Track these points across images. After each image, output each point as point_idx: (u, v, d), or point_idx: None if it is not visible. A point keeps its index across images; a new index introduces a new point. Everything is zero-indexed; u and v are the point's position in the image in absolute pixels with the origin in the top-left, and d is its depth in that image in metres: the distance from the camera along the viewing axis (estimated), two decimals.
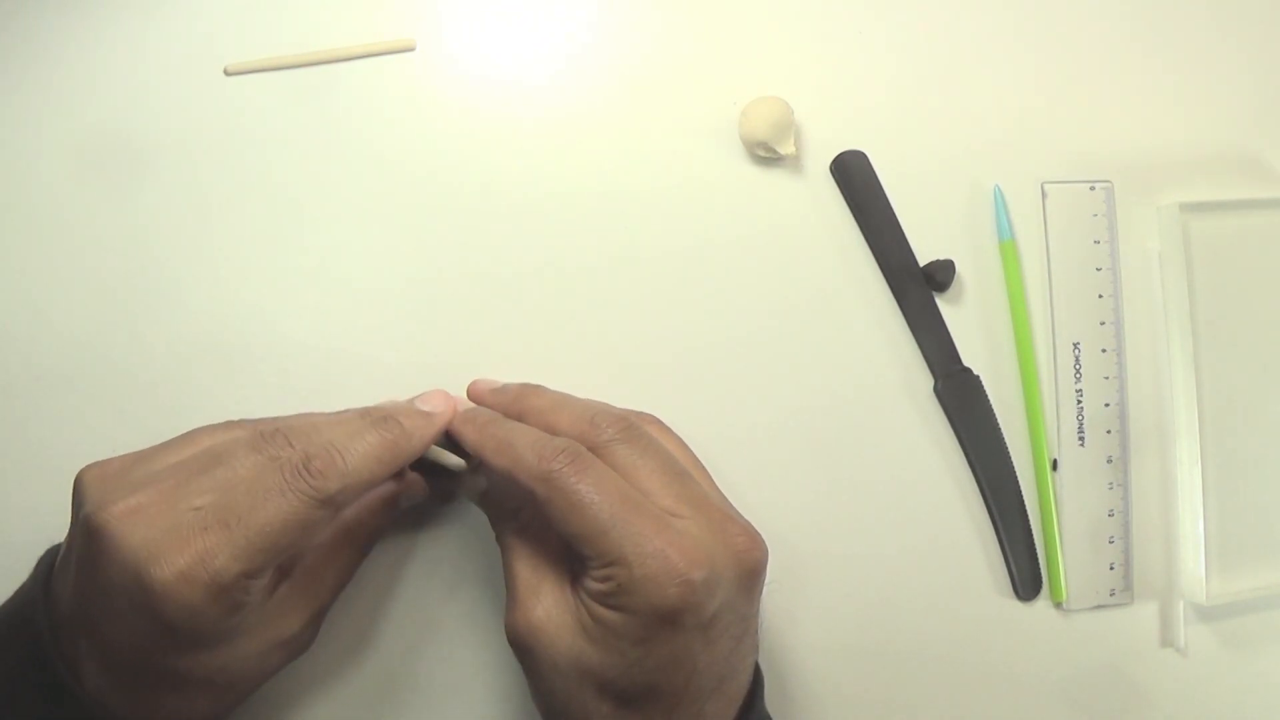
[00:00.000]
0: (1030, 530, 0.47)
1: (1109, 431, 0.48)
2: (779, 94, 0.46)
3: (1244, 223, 0.50)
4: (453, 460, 0.38)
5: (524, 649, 0.34)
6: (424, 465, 0.38)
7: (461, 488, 0.39)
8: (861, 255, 0.47)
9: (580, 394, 0.44)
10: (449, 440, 0.37)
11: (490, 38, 0.46)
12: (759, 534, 0.35)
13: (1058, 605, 0.47)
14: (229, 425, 0.36)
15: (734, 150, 0.47)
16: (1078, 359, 0.48)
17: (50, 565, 0.34)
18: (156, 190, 0.43)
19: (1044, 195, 0.49)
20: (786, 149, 0.46)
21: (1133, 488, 0.48)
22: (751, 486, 0.45)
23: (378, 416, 0.34)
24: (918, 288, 0.47)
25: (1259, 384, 0.50)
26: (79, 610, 0.32)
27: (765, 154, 0.46)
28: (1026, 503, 0.47)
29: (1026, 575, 0.47)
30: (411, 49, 0.45)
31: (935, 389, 0.47)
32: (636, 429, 0.36)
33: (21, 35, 0.43)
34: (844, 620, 0.46)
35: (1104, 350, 0.48)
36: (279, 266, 0.43)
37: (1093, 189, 0.49)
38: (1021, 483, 0.47)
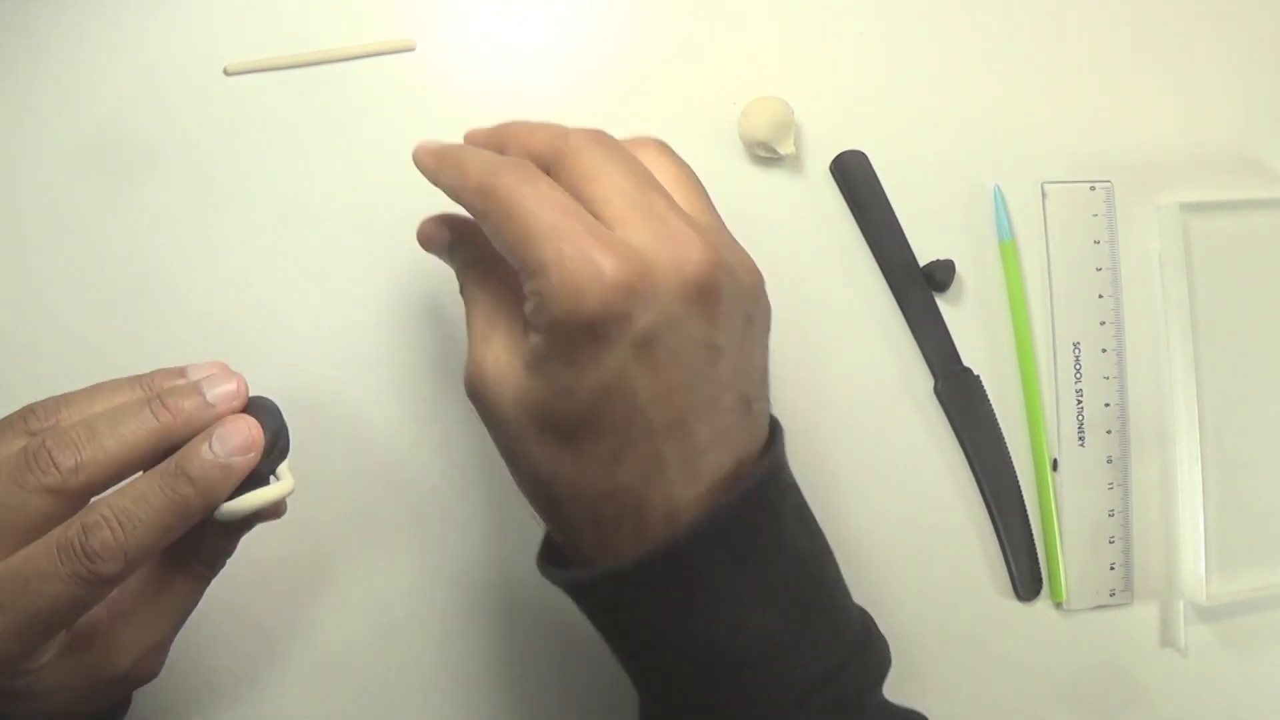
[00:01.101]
0: (1030, 530, 0.47)
1: (1109, 431, 0.48)
2: (779, 94, 0.46)
3: (1244, 223, 0.50)
4: (272, 496, 0.32)
5: (476, 401, 0.32)
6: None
7: (446, 255, 0.36)
8: (861, 255, 0.47)
9: None
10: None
11: (490, 37, 0.46)
12: (741, 255, 0.32)
13: (1058, 605, 0.47)
14: (5, 436, 0.31)
15: (734, 150, 0.47)
16: (1078, 359, 0.48)
17: None
18: (157, 190, 0.43)
19: (1044, 195, 0.49)
20: (786, 149, 0.46)
21: (1133, 488, 0.48)
22: None
23: (166, 474, 0.30)
24: (918, 288, 0.47)
25: (1259, 384, 0.50)
26: None
27: (765, 154, 0.46)
28: (1026, 503, 0.47)
29: (1026, 575, 0.47)
30: (411, 49, 0.45)
31: (935, 389, 0.47)
32: (609, 138, 0.32)
33: (22, 34, 0.43)
34: None
35: (1104, 350, 0.48)
36: (279, 266, 0.43)
37: (1093, 189, 0.49)
38: (1021, 483, 0.47)
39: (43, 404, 0.32)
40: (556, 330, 0.29)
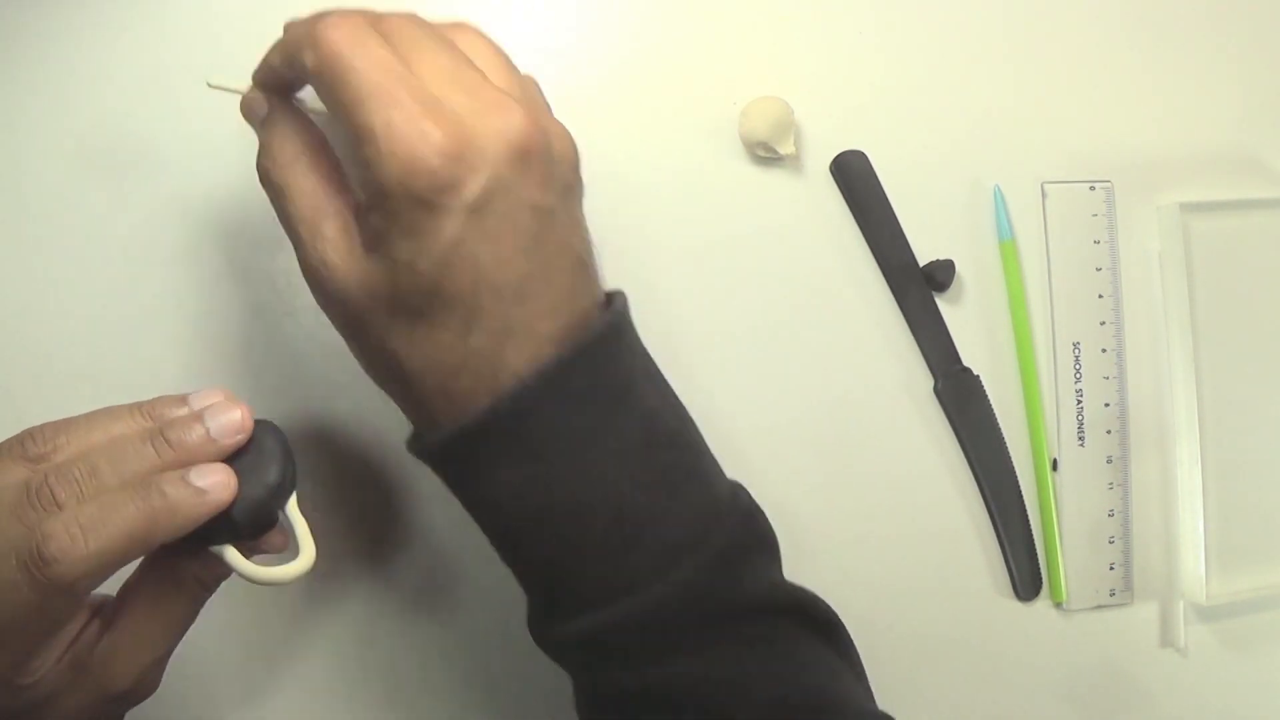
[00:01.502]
0: (1030, 530, 0.47)
1: (1109, 431, 0.48)
2: (779, 94, 0.46)
3: (1244, 223, 0.50)
4: (291, 574, 0.32)
5: (321, 294, 0.32)
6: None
7: (246, 114, 0.35)
8: (861, 255, 0.47)
9: None
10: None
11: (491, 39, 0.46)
12: (550, 121, 0.33)
13: (1058, 605, 0.47)
14: (4, 461, 0.31)
15: (734, 150, 0.47)
16: (1078, 359, 0.48)
17: None
18: (156, 190, 0.43)
19: (1044, 195, 0.49)
20: (786, 149, 0.46)
21: (1133, 488, 0.48)
22: (751, 486, 0.45)
23: (140, 486, 0.29)
24: (918, 288, 0.47)
25: (1259, 384, 0.50)
26: None
27: (765, 154, 0.46)
28: (1026, 503, 0.47)
29: (1026, 575, 0.47)
30: None
31: (935, 389, 0.47)
32: (423, 21, 0.32)
33: (21, 35, 0.43)
34: (844, 619, 0.46)
35: (1104, 350, 0.48)
36: (279, 266, 0.43)
37: (1093, 189, 0.49)
38: (1021, 483, 0.47)
39: (41, 429, 0.31)
40: (391, 204, 0.29)
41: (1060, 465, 0.48)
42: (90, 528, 0.28)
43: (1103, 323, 0.48)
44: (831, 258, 0.47)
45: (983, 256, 0.48)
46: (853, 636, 0.45)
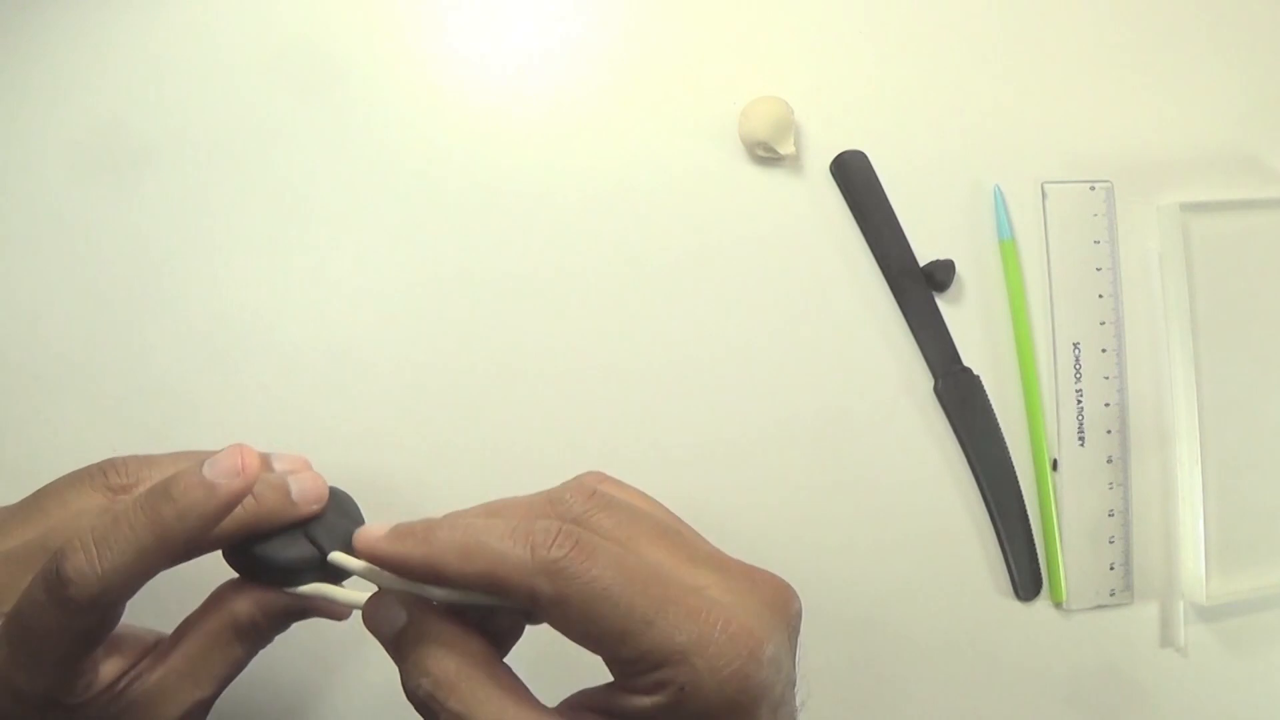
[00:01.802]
0: (1030, 530, 0.47)
1: (1109, 431, 0.48)
2: (779, 94, 0.46)
3: (1244, 223, 0.50)
4: (344, 597, 0.31)
5: None
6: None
7: (371, 624, 0.29)
8: (861, 255, 0.47)
9: (581, 394, 0.44)
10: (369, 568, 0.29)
11: (490, 37, 0.46)
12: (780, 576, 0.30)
13: (1058, 605, 0.47)
14: (84, 488, 0.31)
15: (734, 150, 0.47)
16: (1078, 359, 0.48)
17: None
18: (156, 189, 0.43)
19: (1044, 195, 0.49)
20: (786, 149, 0.46)
21: (1133, 488, 0.48)
22: (751, 486, 0.45)
23: (150, 493, 0.28)
24: (918, 288, 0.47)
25: (1259, 384, 0.49)
26: None
27: (765, 154, 0.46)
28: (1026, 503, 0.47)
29: (1026, 575, 0.47)
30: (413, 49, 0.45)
31: (935, 389, 0.47)
32: (603, 494, 0.29)
33: (22, 33, 0.43)
34: (844, 619, 0.46)
35: (1104, 350, 0.48)
36: (279, 266, 0.43)
37: (1093, 189, 0.49)
38: (1021, 483, 0.47)
39: (125, 462, 0.31)
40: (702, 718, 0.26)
41: (1060, 465, 0.48)
42: (102, 542, 0.27)
43: (1103, 323, 0.48)
44: (831, 258, 0.47)
45: (983, 256, 0.48)
46: (853, 636, 0.46)
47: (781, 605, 0.28)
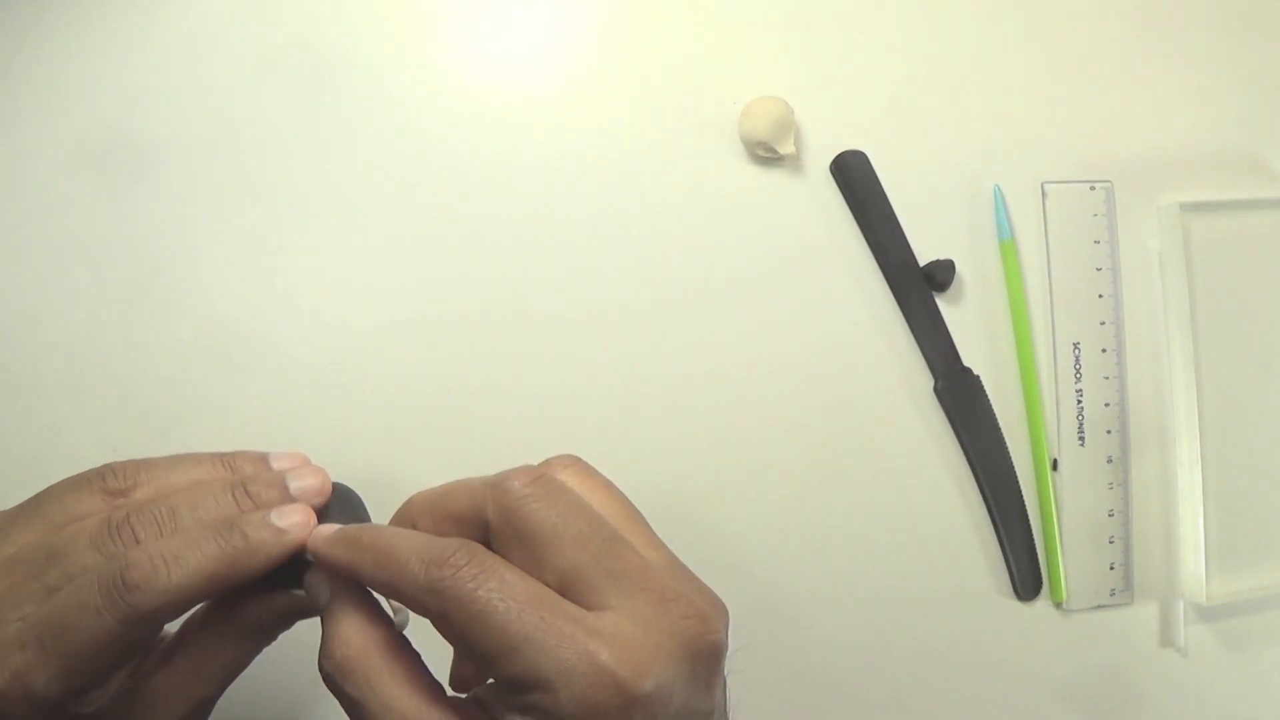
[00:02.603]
0: (1030, 530, 0.47)
1: (1109, 431, 0.48)
2: (779, 94, 0.46)
3: (1244, 223, 0.50)
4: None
5: None
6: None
7: (309, 598, 0.31)
8: (861, 255, 0.47)
9: (579, 391, 0.44)
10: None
11: (490, 38, 0.46)
12: (714, 600, 0.29)
13: (1058, 605, 0.47)
14: (83, 492, 0.31)
15: (734, 150, 0.47)
16: (1078, 359, 0.48)
17: None
18: (156, 189, 0.43)
19: (1044, 195, 0.49)
20: (786, 149, 0.46)
21: (1133, 488, 0.48)
22: (751, 486, 0.45)
23: (222, 525, 0.30)
24: (918, 288, 0.47)
25: (1259, 384, 0.49)
26: None
27: (765, 154, 0.46)
28: (1026, 503, 0.47)
29: (1026, 575, 0.47)
30: (413, 48, 0.45)
31: (935, 389, 0.47)
32: (551, 482, 0.29)
33: (22, 34, 0.43)
34: (844, 620, 0.46)
35: (1104, 350, 0.48)
36: (279, 266, 0.43)
37: (1093, 189, 0.49)
38: (1021, 483, 0.47)
39: (123, 466, 0.32)
40: None
41: (1060, 465, 0.48)
42: (173, 560, 0.28)
43: (1103, 323, 0.48)
44: (831, 258, 0.47)
45: (983, 256, 0.48)
46: (853, 636, 0.46)
47: (691, 636, 0.27)
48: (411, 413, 0.44)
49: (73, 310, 0.42)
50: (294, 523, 0.30)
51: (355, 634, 0.29)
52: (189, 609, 0.29)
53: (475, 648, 0.26)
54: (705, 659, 0.28)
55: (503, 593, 0.26)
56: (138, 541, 0.29)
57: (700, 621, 0.28)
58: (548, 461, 0.32)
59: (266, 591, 0.31)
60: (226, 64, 0.44)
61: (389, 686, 0.28)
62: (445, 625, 0.27)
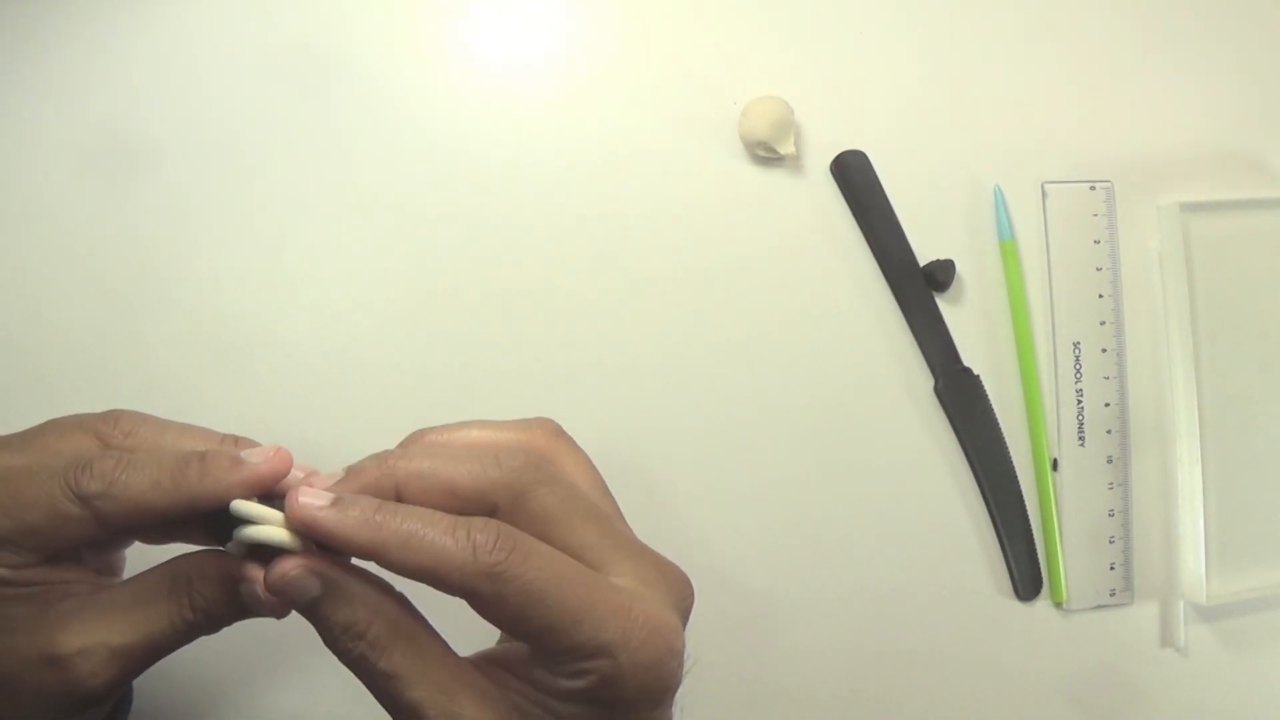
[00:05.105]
0: (1030, 530, 0.47)
1: (1109, 431, 0.48)
2: (779, 94, 0.46)
3: (1244, 223, 0.50)
4: (277, 536, 0.28)
5: None
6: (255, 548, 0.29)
7: (281, 592, 0.28)
8: (861, 255, 0.47)
9: (579, 390, 0.44)
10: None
11: (490, 37, 0.46)
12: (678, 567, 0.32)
13: (1058, 605, 0.47)
14: (80, 432, 0.32)
15: (734, 150, 0.47)
16: (1078, 359, 0.48)
17: None
18: (157, 188, 0.43)
19: (1044, 195, 0.49)
20: (786, 149, 0.46)
21: (1133, 488, 0.48)
22: (751, 486, 0.45)
23: (189, 452, 0.30)
24: (918, 288, 0.47)
25: (1259, 384, 0.49)
26: None
27: (765, 154, 0.46)
28: (1026, 503, 0.47)
29: (1026, 575, 0.47)
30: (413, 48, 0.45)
31: (935, 389, 0.47)
32: (547, 466, 0.30)
33: (22, 35, 0.43)
34: (844, 620, 0.46)
35: (1104, 350, 0.48)
36: (279, 266, 0.43)
37: (1093, 189, 0.49)
38: (1021, 483, 0.47)
39: (128, 416, 0.32)
40: (623, 706, 0.28)
41: (1060, 465, 0.48)
42: (130, 463, 0.29)
43: (1103, 323, 0.48)
44: (831, 258, 0.47)
45: (983, 256, 0.48)
46: (853, 636, 0.46)
47: (683, 597, 0.31)
48: (413, 410, 0.43)
49: (73, 310, 0.42)
50: (257, 455, 0.29)
51: (384, 606, 0.29)
52: (137, 518, 0.29)
53: (531, 624, 0.27)
54: (686, 617, 0.31)
55: (552, 570, 0.28)
56: (118, 435, 0.31)
57: (686, 585, 0.31)
58: (528, 425, 0.33)
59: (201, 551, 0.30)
60: (226, 64, 0.44)
61: (423, 658, 0.28)
62: (496, 606, 0.27)
